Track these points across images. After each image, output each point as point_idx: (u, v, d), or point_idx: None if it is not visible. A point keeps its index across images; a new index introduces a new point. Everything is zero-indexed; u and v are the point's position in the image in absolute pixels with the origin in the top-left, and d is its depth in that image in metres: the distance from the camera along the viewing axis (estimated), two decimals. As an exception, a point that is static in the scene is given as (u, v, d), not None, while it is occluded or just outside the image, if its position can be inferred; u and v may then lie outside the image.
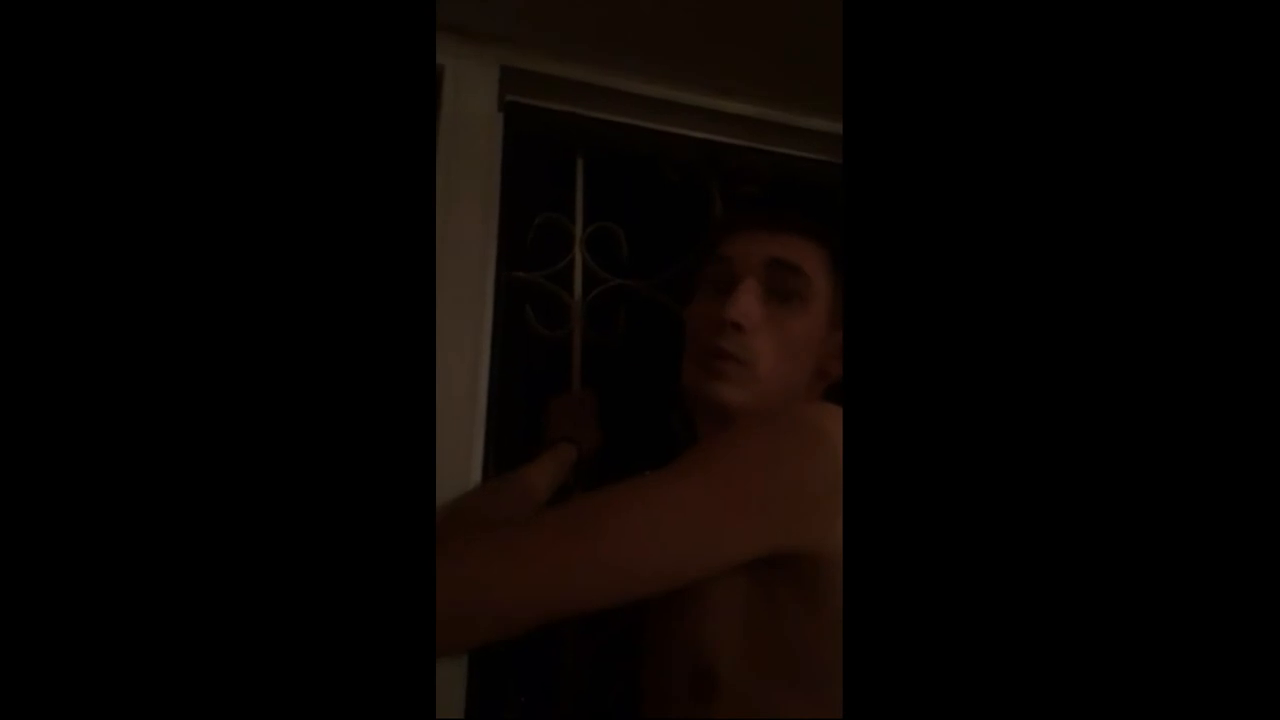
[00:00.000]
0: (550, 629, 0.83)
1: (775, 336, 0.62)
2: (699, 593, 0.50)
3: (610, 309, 0.98)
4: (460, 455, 0.81)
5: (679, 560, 0.45)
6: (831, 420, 0.49)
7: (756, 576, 0.48)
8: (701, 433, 0.66)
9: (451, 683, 0.74)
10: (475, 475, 0.82)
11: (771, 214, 0.69)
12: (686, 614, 0.51)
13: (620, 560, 0.44)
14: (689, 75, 1.01)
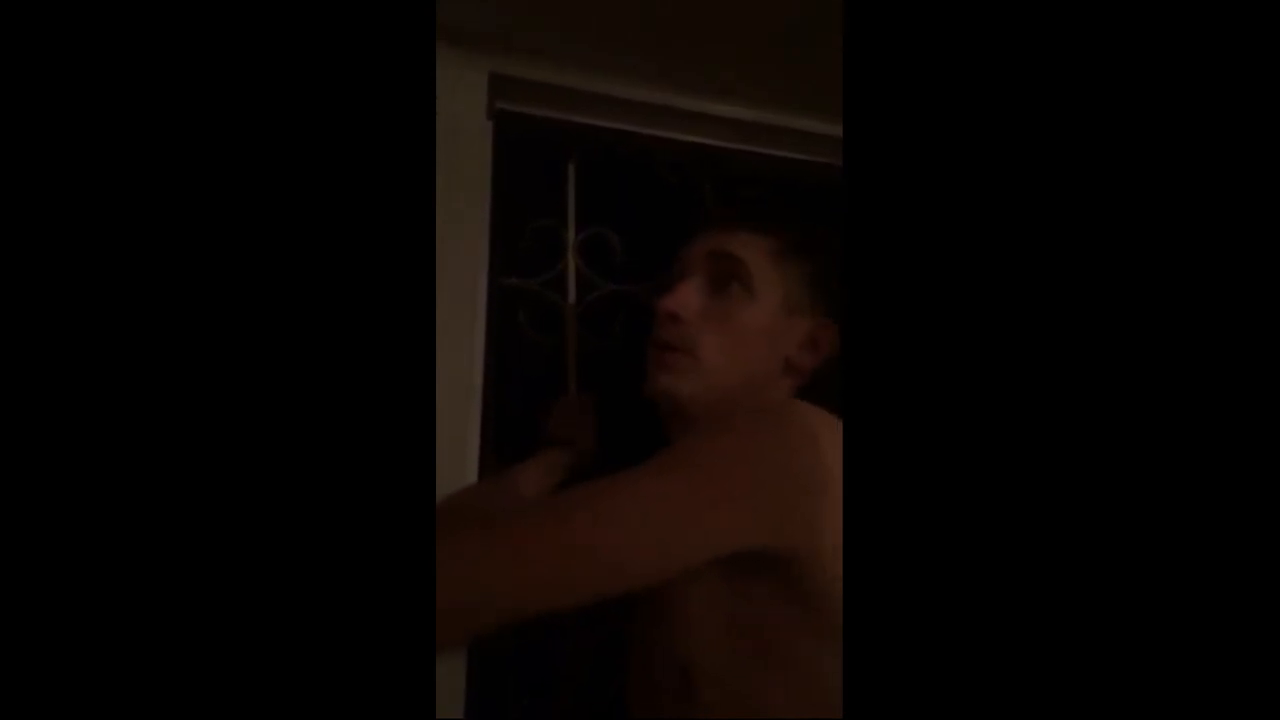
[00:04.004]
0: (550, 626, 0.83)
1: (719, 326, 0.62)
2: (680, 591, 0.50)
3: (604, 314, 0.98)
4: (455, 462, 0.80)
5: (658, 552, 0.45)
6: (817, 419, 0.49)
7: (737, 573, 0.48)
8: (669, 434, 0.65)
9: (451, 684, 0.74)
10: (471, 482, 0.82)
11: (717, 211, 0.69)
12: (669, 612, 0.51)
13: (599, 551, 0.44)
14: (681, 79, 1.01)
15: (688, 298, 0.63)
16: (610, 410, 0.82)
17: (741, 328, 0.62)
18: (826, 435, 0.47)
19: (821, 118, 1.07)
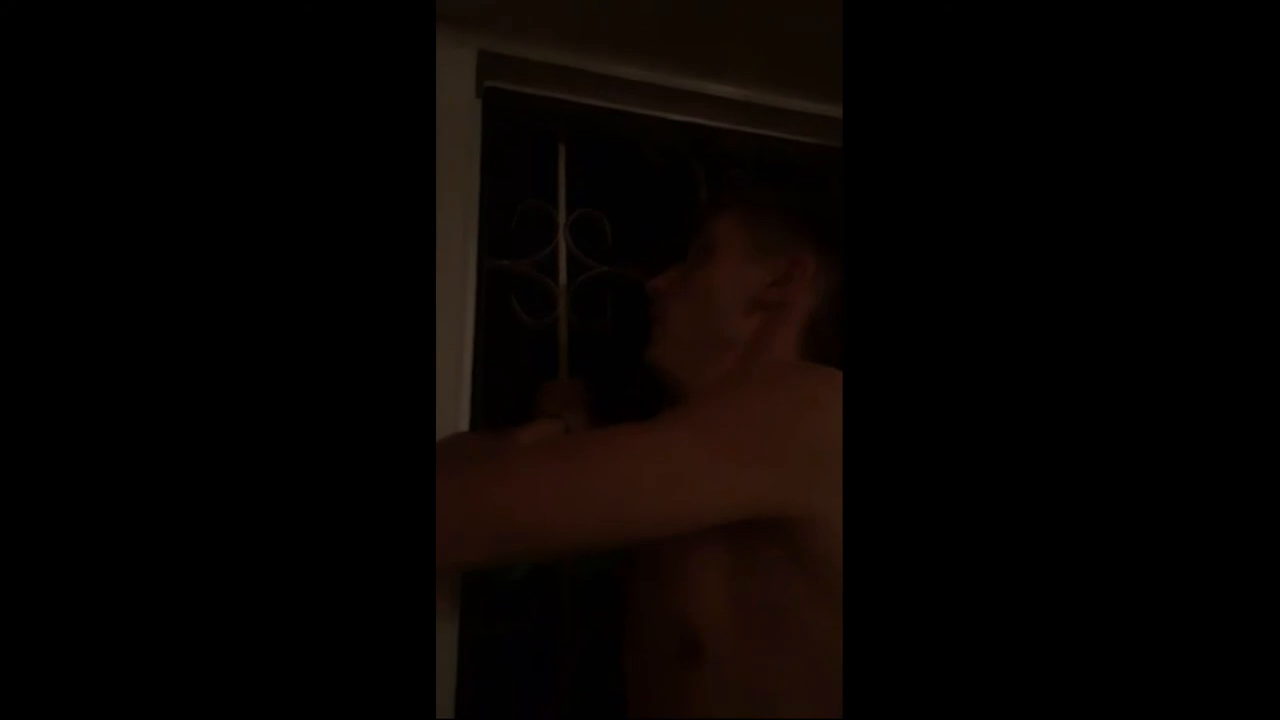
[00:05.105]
0: (545, 619, 0.83)
1: (681, 290, 0.67)
2: (682, 559, 0.50)
3: (596, 296, 0.97)
4: (446, 447, 0.79)
5: (659, 503, 0.45)
6: (828, 385, 0.48)
7: (739, 540, 0.48)
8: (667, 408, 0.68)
9: (444, 680, 0.73)
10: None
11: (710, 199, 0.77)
12: (669, 581, 0.51)
13: (601, 495, 0.44)
14: (673, 58, 0.99)
15: (665, 276, 0.70)
16: (601, 392, 0.81)
17: (699, 285, 0.66)
18: (838, 402, 0.47)
19: (817, 98, 1.06)
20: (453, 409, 0.82)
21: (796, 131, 1.09)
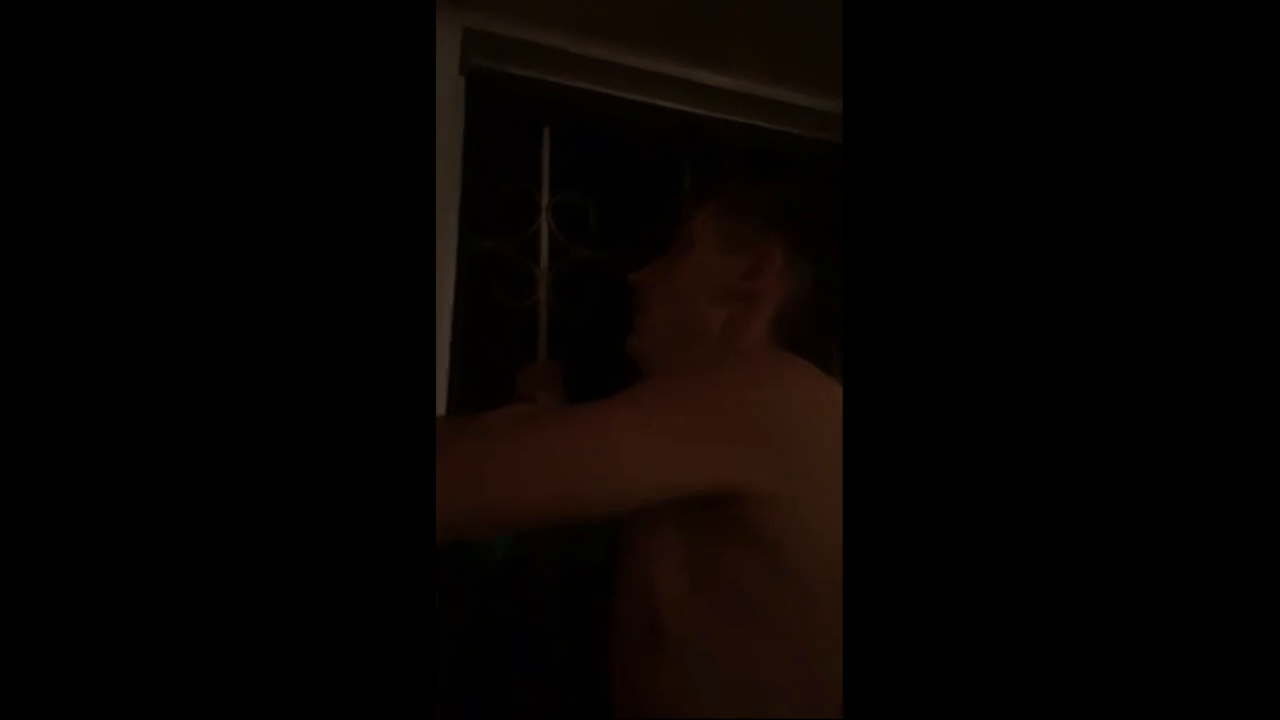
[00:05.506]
0: (527, 601, 0.83)
1: (662, 282, 0.68)
2: (644, 543, 0.51)
3: (577, 280, 0.97)
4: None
5: (618, 476, 0.47)
6: (791, 367, 0.49)
7: (698, 523, 0.48)
8: None
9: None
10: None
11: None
12: (635, 566, 0.52)
13: (560, 470, 0.46)
14: (665, 44, 0.99)
15: (646, 270, 0.70)
16: (580, 376, 0.81)
17: (676, 276, 0.67)
18: (801, 385, 0.48)
19: (808, 91, 1.06)
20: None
21: (786, 123, 1.10)
